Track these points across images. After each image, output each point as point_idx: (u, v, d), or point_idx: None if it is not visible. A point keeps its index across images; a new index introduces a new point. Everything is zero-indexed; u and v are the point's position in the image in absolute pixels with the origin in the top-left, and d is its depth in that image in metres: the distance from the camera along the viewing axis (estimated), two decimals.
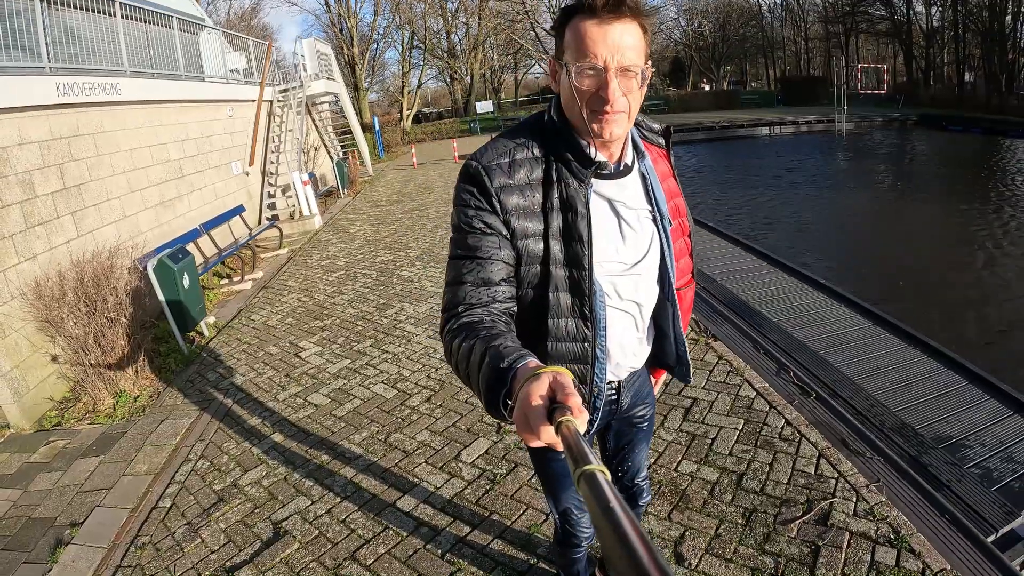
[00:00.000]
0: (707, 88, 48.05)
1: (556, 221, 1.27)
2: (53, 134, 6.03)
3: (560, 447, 0.70)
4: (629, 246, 1.38)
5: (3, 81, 5.37)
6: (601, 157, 1.28)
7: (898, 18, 35.91)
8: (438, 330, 1.38)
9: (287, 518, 3.44)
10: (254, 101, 11.10)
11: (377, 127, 25.56)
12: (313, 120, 14.12)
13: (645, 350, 1.59)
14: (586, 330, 1.34)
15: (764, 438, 3.26)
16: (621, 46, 1.14)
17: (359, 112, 26.68)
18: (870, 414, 3.66)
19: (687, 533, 2.76)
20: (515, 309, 1.29)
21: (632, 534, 0.48)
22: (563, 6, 1.24)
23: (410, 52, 35.28)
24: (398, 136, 30.10)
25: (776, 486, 2.90)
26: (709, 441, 3.29)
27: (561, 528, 1.86)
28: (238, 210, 9.47)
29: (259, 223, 10.60)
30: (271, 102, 12.03)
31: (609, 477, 0.59)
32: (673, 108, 37.41)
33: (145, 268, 5.82)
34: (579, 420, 0.72)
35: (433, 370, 4.86)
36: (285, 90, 12.36)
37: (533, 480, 3.25)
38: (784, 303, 5.35)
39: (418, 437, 4.01)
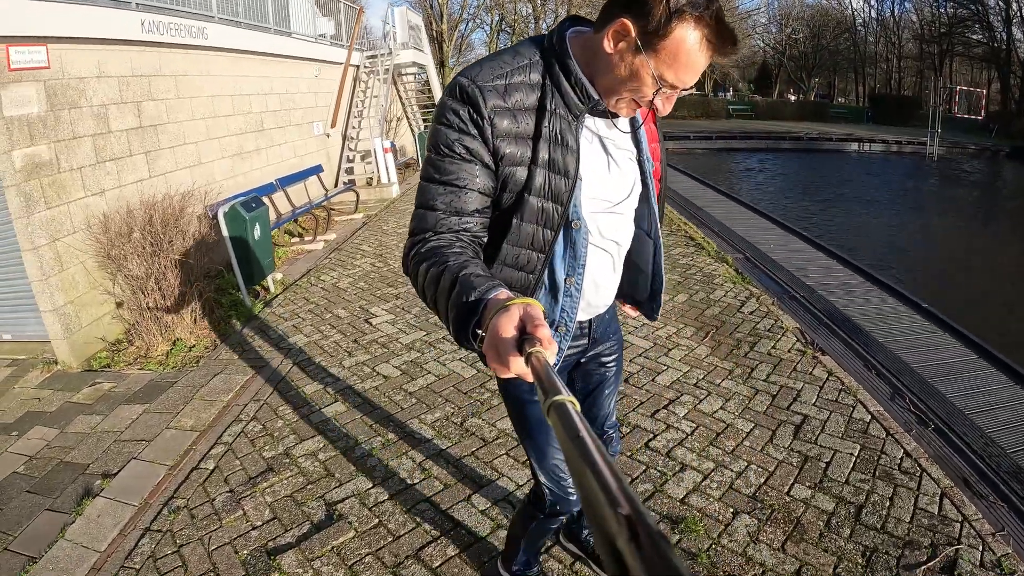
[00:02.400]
0: (793, 98, 46.33)
1: (544, 151, 1.24)
2: (134, 71, 5.83)
3: (530, 378, 0.72)
4: (615, 184, 1.39)
5: (84, 11, 5.14)
6: (596, 97, 1.25)
7: (996, 44, 33.65)
8: (405, 251, 1.24)
9: (343, 500, 2.96)
10: (341, 64, 10.89)
11: None
12: (398, 90, 13.88)
13: (615, 288, 1.59)
14: (537, 263, 1.35)
15: (883, 468, 2.93)
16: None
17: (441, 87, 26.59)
18: (985, 453, 3.23)
19: (803, 569, 2.40)
20: (485, 239, 1.29)
21: (601, 463, 0.49)
22: (689, 6, 1.09)
23: (497, 35, 35.05)
24: None
25: (898, 524, 2.60)
26: (823, 465, 2.95)
27: (550, 494, 1.71)
28: (316, 170, 9.24)
29: (335, 186, 10.36)
30: (358, 67, 11.82)
31: (579, 408, 0.59)
32: (760, 115, 36.46)
33: (216, 215, 5.52)
34: (549, 351, 0.74)
35: None
36: (373, 56, 12.12)
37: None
38: (887, 323, 4.94)
39: (499, 424, 3.48)
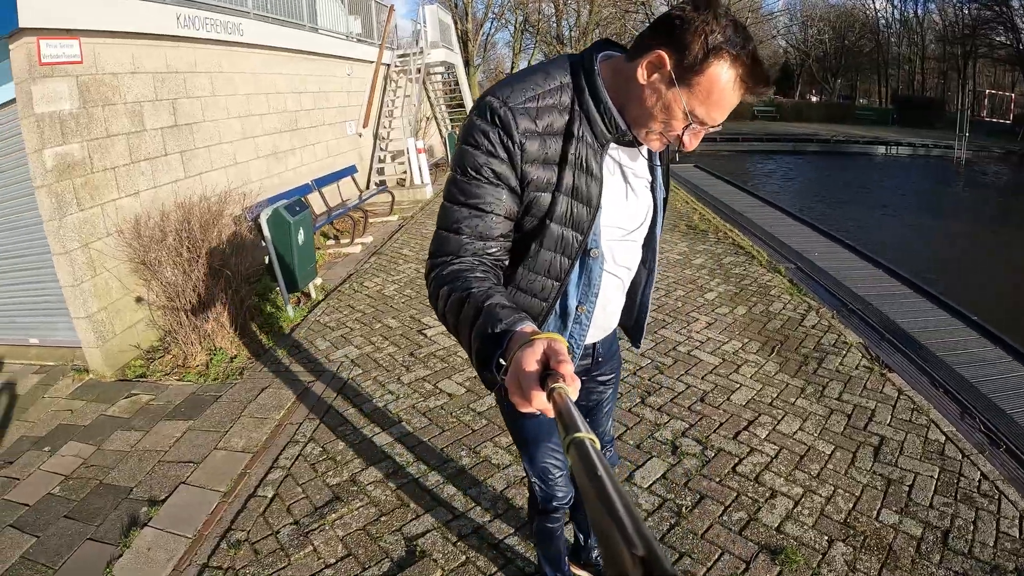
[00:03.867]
0: (815, 99, 45.78)
1: (569, 178, 1.24)
2: (169, 67, 5.65)
3: (551, 413, 0.74)
4: (632, 212, 1.41)
5: (119, 4, 4.95)
6: (625, 127, 1.24)
7: (1021, 46, 33.08)
8: (427, 273, 1.21)
9: (424, 534, 2.69)
10: (372, 63, 10.71)
11: None
12: (427, 90, 13.66)
13: (619, 313, 1.63)
14: (552, 290, 1.36)
15: (963, 491, 2.88)
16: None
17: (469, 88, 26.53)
18: None
19: None
20: (507, 263, 1.28)
21: (618, 502, 0.49)
22: (727, 44, 1.09)
23: (522, 35, 34.98)
24: None
25: (983, 549, 2.55)
26: (907, 489, 2.90)
27: (539, 491, 1.79)
28: (350, 170, 9.04)
29: (367, 187, 10.16)
30: (388, 66, 11.62)
31: (598, 445, 0.61)
32: (785, 116, 36.07)
33: (257, 218, 5.29)
34: (571, 388, 0.74)
35: None
36: (404, 55, 11.93)
37: (725, 517, 2.73)
38: (941, 336, 4.86)
39: None
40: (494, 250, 1.21)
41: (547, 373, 0.78)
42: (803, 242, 7.70)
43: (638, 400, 3.69)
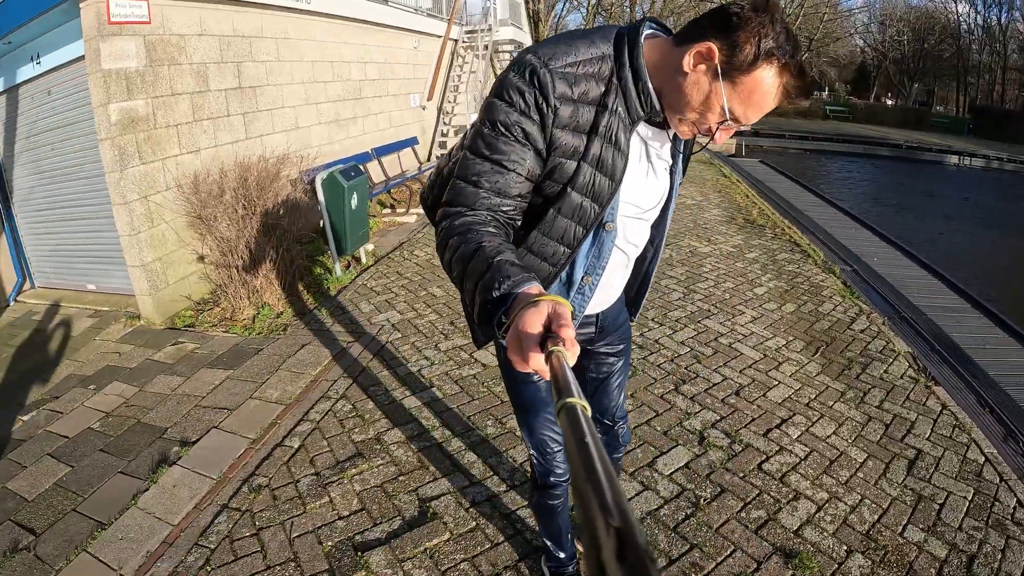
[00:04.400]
0: (890, 102, 43.51)
1: (596, 148, 1.23)
2: (235, 31, 5.76)
3: (547, 375, 0.74)
4: (650, 192, 1.41)
5: None
6: (659, 108, 1.24)
7: None
8: (432, 217, 1.29)
9: (438, 497, 2.67)
10: (440, 37, 10.71)
11: None
12: (493, 67, 13.60)
13: (622, 287, 1.64)
14: (562, 257, 1.36)
15: (996, 516, 2.71)
16: None
17: None
18: None
19: None
20: (519, 223, 1.27)
21: (601, 471, 0.50)
22: (778, 50, 1.10)
23: (594, 18, 34.55)
24: None
25: None
26: (937, 507, 2.74)
27: (537, 464, 1.79)
28: (411, 142, 9.08)
29: (428, 159, 10.19)
30: (456, 41, 11.61)
31: (589, 413, 0.61)
32: (858, 117, 34.48)
33: (312, 181, 5.37)
34: (570, 352, 0.75)
35: (632, 349, 3.92)
36: (472, 31, 11.89)
37: (743, 514, 2.63)
38: (994, 355, 4.61)
39: None
40: (509, 208, 1.20)
41: (548, 335, 0.78)
42: (862, 245, 7.44)
43: (671, 387, 3.59)
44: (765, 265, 5.87)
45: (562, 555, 2.09)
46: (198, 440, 3.19)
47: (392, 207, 8.12)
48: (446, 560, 2.35)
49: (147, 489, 2.83)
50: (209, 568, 2.36)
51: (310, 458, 2.97)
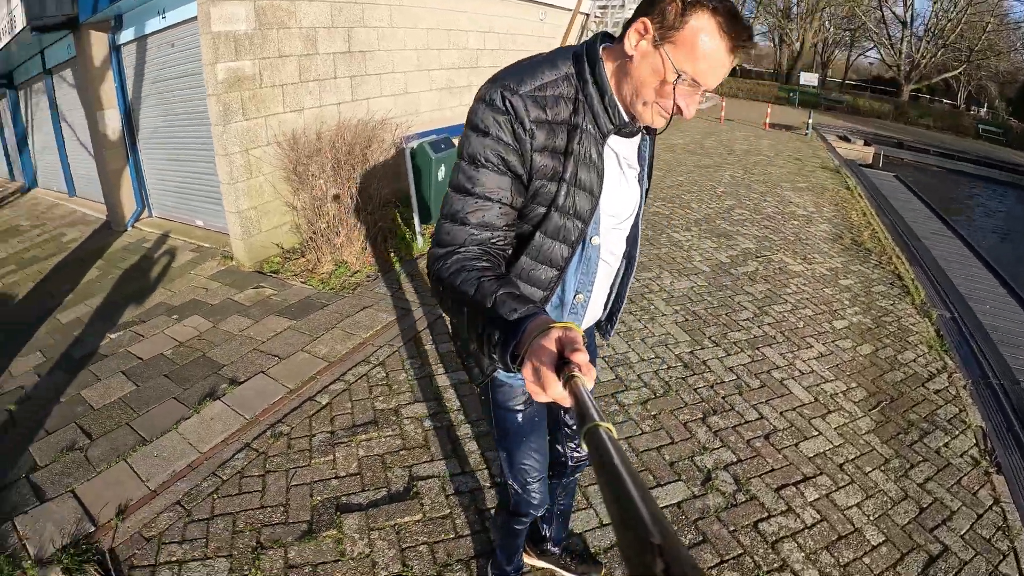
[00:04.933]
0: None
1: (573, 168, 1.26)
2: None
3: (566, 402, 0.76)
4: (624, 201, 1.44)
5: None
6: (626, 118, 1.29)
7: None
8: (431, 264, 1.21)
9: (427, 478, 2.87)
10: (569, 11, 10.66)
11: None
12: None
13: (603, 302, 1.65)
14: (553, 279, 1.38)
15: None
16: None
17: None
18: None
19: None
20: (510, 252, 1.30)
21: (634, 490, 0.49)
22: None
23: (744, 2, 33.01)
24: None
25: None
26: None
27: (515, 495, 1.79)
28: None
29: None
30: (587, 16, 11.53)
31: (615, 434, 0.62)
32: (1012, 141, 29.93)
33: (403, 147, 5.64)
34: (587, 377, 0.76)
35: (663, 368, 3.95)
36: (604, 7, 11.75)
37: (713, 571, 2.48)
38: None
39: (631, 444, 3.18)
40: (499, 239, 1.23)
41: (562, 362, 0.80)
42: (975, 288, 6.64)
43: (699, 415, 3.50)
44: (856, 296, 5.54)
45: (509, 568, 2.16)
46: (245, 381, 3.57)
47: None
48: (409, 539, 2.53)
49: (189, 417, 3.23)
50: (216, 496, 2.71)
51: (331, 416, 3.27)
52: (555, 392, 0.78)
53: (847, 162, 13.52)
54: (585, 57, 1.27)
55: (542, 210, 1.29)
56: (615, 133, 1.31)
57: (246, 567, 2.41)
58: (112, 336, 4.19)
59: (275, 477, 2.83)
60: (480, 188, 1.21)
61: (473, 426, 3.26)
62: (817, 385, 3.93)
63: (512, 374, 1.26)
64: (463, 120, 5.34)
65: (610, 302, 1.71)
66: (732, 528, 2.72)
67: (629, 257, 1.62)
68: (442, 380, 3.66)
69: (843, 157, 14.29)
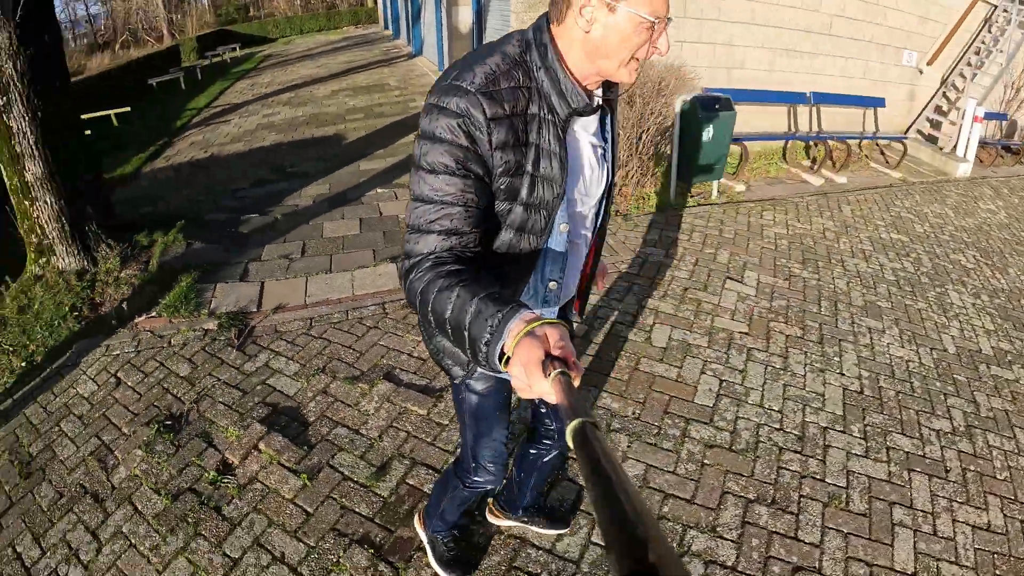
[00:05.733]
0: None
1: (534, 159, 1.24)
2: None
3: (553, 399, 0.76)
4: (593, 181, 1.42)
5: None
6: (585, 99, 1.25)
7: None
8: (403, 277, 1.21)
9: (414, 464, 2.73)
10: None
11: None
12: None
13: (575, 286, 1.65)
14: (525, 271, 1.39)
15: None
16: None
17: None
18: None
19: None
20: (481, 251, 1.24)
21: (620, 488, 0.50)
22: None
23: None
24: None
25: None
26: None
27: (468, 473, 1.85)
28: (874, 102, 8.07)
29: (907, 131, 8.96)
30: (995, 7, 9.24)
31: (602, 428, 0.65)
32: None
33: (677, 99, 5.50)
34: (574, 372, 0.78)
35: (770, 425, 3.08)
36: None
37: None
38: None
39: None
40: (469, 243, 1.20)
41: (548, 359, 0.81)
42: None
43: (751, 495, 2.66)
44: None
45: (446, 525, 2.24)
46: None
47: (814, 161, 7.50)
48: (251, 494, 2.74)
49: (366, 267, 4.02)
50: (329, 326, 3.46)
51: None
52: (542, 389, 0.79)
53: None
54: (534, 43, 1.24)
55: (508, 205, 1.27)
56: (575, 115, 1.28)
57: (305, 376, 3.13)
58: (379, 191, 5.16)
59: (371, 333, 3.41)
60: (442, 195, 1.18)
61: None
62: (943, 532, 2.59)
63: (497, 373, 1.26)
64: (791, 87, 6.52)
65: (577, 280, 1.67)
66: None
67: (599, 234, 1.58)
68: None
69: None
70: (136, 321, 3.54)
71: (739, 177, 6.54)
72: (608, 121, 1.42)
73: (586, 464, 0.55)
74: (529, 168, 1.24)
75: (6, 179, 3.61)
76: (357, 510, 2.48)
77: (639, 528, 0.43)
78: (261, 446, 2.74)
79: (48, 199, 3.63)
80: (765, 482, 2.71)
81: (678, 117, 5.37)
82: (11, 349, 3.40)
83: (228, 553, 2.29)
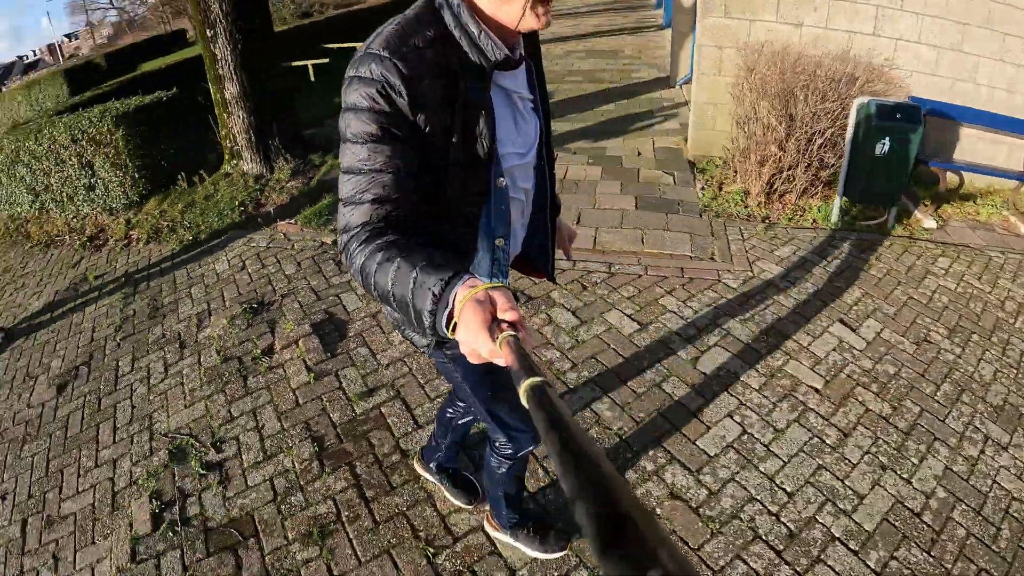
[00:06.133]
0: None
1: (460, 117, 1.25)
2: None
3: (503, 362, 0.77)
4: (523, 135, 1.43)
5: None
6: (506, 52, 1.26)
7: None
8: (341, 250, 1.25)
9: (405, 451, 2.92)
10: None
11: None
12: None
13: (521, 240, 1.65)
14: (469, 231, 1.39)
15: None
16: None
17: None
18: None
19: None
20: (416, 215, 1.26)
21: (582, 445, 0.49)
22: None
23: None
24: None
25: None
26: None
27: (508, 438, 1.81)
28: None
29: None
30: None
31: (555, 388, 0.63)
32: None
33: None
34: (522, 333, 0.80)
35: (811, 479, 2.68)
36: None
37: None
38: None
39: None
40: (403, 208, 1.20)
41: (495, 322, 0.82)
42: None
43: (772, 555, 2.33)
44: None
45: (519, 513, 2.28)
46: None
47: None
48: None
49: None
50: None
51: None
52: (490, 353, 0.79)
53: None
54: (445, 2, 1.24)
55: (442, 165, 1.28)
56: (497, 69, 1.29)
57: (367, 299, 3.66)
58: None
59: None
60: (370, 164, 1.18)
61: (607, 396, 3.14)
62: None
63: (446, 340, 1.25)
64: (984, 105, 5.17)
65: (537, 239, 1.69)
66: None
67: (548, 189, 1.60)
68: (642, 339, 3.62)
69: None
70: (278, 224, 4.44)
71: (931, 210, 5.53)
72: (533, 72, 1.45)
73: (543, 420, 0.54)
74: (456, 126, 1.24)
75: (213, 95, 4.70)
76: (331, 415, 3.04)
77: (604, 471, 0.43)
78: (300, 342, 3.44)
79: (241, 114, 4.65)
80: (708, 565, 2.27)
81: (852, 122, 4.84)
82: (188, 226, 4.52)
83: (231, 411, 3.04)
